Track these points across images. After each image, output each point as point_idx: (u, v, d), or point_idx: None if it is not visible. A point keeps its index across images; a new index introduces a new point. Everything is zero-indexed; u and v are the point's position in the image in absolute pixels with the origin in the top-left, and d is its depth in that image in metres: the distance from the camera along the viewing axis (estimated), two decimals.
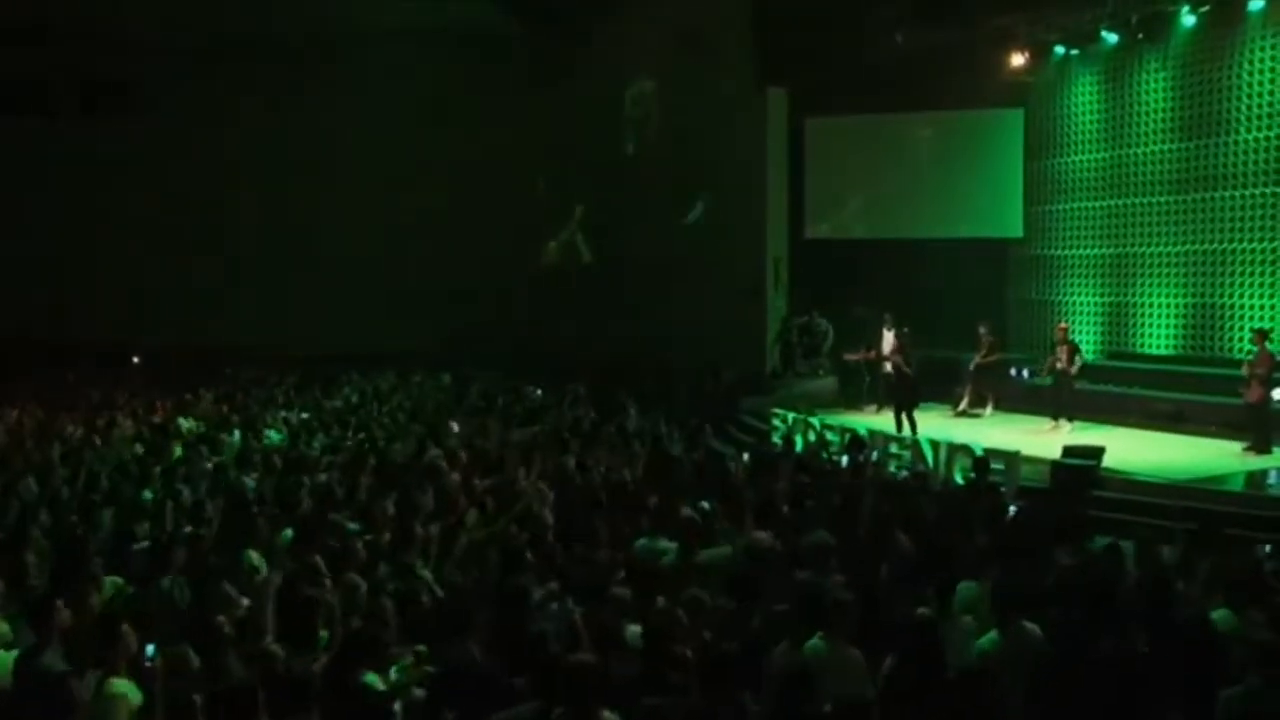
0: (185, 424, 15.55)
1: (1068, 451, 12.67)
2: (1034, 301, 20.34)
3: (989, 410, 17.45)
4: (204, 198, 27.50)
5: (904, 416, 15.22)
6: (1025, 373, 18.16)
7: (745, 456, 11.84)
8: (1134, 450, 14.06)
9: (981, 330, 17.52)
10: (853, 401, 18.61)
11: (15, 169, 27.13)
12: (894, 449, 13.81)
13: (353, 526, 8.84)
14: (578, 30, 24.86)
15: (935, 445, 13.16)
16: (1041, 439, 14.84)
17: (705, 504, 8.25)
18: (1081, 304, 19.53)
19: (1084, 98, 19.13)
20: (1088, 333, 19.33)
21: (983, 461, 10.98)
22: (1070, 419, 15.76)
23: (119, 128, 27.09)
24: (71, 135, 27.15)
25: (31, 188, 27.40)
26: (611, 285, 25.03)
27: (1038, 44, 17.94)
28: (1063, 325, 16.71)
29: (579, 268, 26.51)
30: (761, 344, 22.18)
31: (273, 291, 27.52)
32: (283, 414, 16.42)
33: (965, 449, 12.84)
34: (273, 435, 13.65)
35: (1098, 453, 12.53)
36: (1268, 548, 8.38)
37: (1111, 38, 17.20)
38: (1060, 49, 17.70)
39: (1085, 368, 18.00)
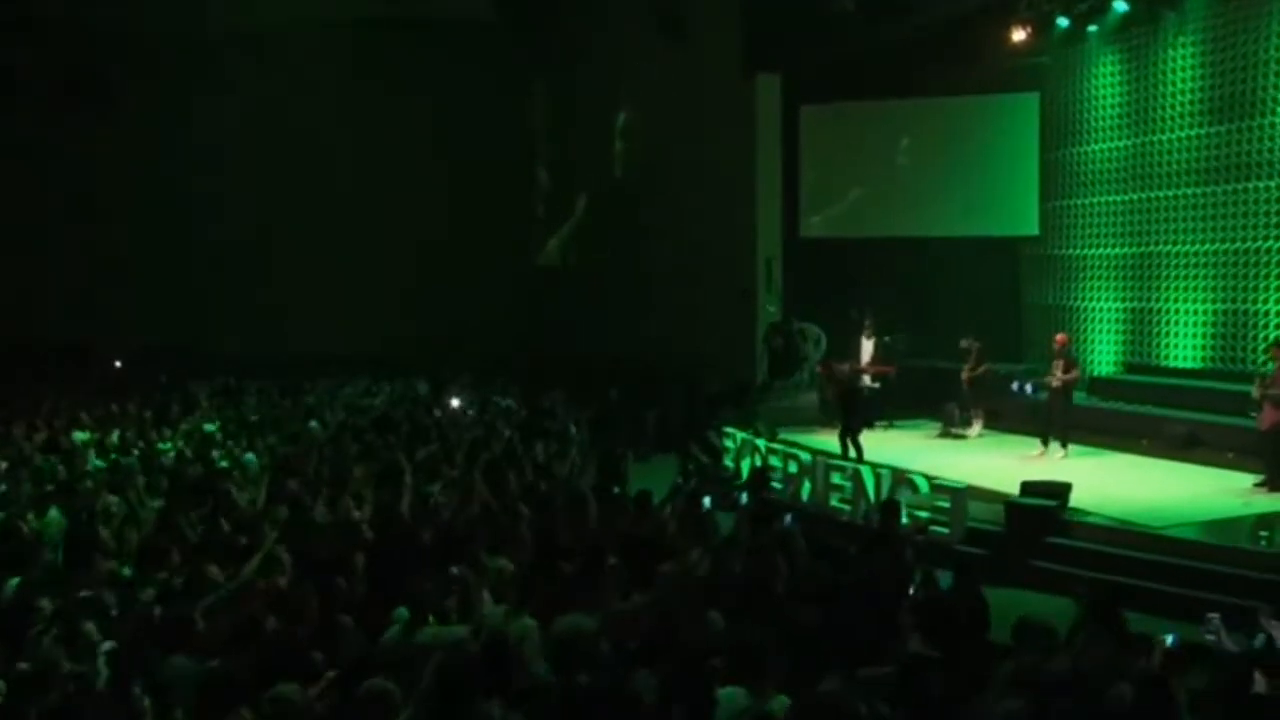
0: (80, 437, 14.34)
1: (1027, 489, 10.66)
2: (1050, 306, 18.23)
3: (977, 430, 15.40)
4: (179, 192, 26.42)
5: (848, 440, 13.27)
6: (1028, 387, 16.03)
7: (616, 492, 10.03)
8: (1124, 484, 11.99)
9: (963, 343, 15.46)
10: (832, 419, 16.62)
11: None
12: (836, 478, 11.96)
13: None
14: (558, 18, 23.48)
15: (876, 475, 11.28)
16: (1029, 466, 12.85)
17: (454, 569, 6.54)
18: (1101, 309, 17.41)
19: (1105, 79, 17.04)
20: (1107, 342, 17.25)
21: (890, 505, 8.97)
22: (1063, 443, 13.64)
23: (87, 121, 26.13)
24: (38, 128, 26.18)
25: None
26: (601, 287, 23.53)
27: (1041, 16, 15.86)
28: (1060, 336, 14.54)
29: (575, 268, 25.14)
30: (752, 351, 20.48)
31: (258, 291, 26.41)
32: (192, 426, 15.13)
33: (909, 481, 11.02)
34: (134, 461, 12.20)
35: (1062, 491, 10.51)
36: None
37: (1122, 6, 15.09)
38: (1063, 21, 15.59)
39: (1098, 382, 16.21)
